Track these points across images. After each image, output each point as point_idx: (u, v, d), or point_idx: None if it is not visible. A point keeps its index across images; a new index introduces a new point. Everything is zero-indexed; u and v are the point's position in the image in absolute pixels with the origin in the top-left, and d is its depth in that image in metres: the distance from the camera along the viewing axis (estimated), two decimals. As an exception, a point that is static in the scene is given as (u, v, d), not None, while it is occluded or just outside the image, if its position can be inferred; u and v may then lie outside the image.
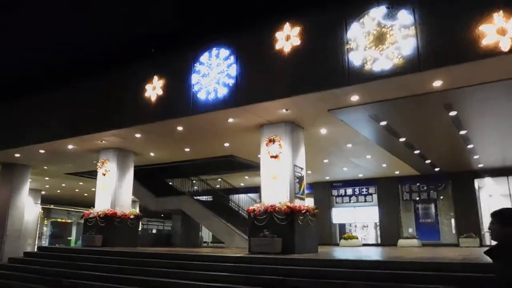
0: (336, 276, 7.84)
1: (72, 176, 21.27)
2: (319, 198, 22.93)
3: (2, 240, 17.79)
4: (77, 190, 25.65)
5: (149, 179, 20.58)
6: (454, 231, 20.38)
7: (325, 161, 18.06)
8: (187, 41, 12.15)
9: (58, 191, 26.34)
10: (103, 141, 14.75)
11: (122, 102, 13.31)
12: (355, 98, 10.02)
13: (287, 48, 10.26)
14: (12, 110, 16.70)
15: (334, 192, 24.07)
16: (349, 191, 23.78)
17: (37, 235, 26.08)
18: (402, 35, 8.77)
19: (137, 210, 18.45)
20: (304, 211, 11.46)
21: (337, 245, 20.98)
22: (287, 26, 10.39)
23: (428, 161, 17.87)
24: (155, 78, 12.62)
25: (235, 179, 23.50)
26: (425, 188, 21.89)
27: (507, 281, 2.87)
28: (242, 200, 22.46)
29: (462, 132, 13.18)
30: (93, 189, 16.49)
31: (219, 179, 23.84)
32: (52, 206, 28.47)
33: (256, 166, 17.01)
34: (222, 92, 11.16)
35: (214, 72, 11.44)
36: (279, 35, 10.44)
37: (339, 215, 23.80)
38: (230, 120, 11.91)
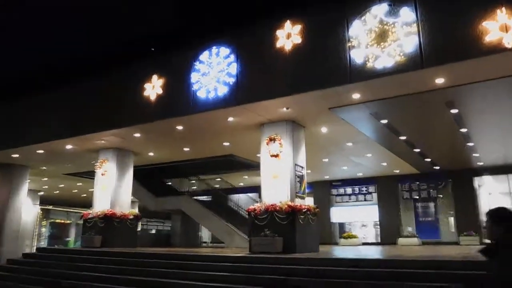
0: (338, 275, 7.77)
1: (71, 177, 21.17)
2: (318, 197, 22.85)
3: (1, 241, 17.67)
4: (75, 190, 25.55)
5: (149, 179, 20.50)
6: (454, 229, 20.34)
7: (325, 160, 18.00)
8: (187, 40, 12.07)
9: (57, 191, 26.24)
10: (103, 141, 14.66)
11: (122, 101, 13.23)
12: (356, 96, 9.96)
13: (288, 46, 10.20)
14: (11, 110, 16.60)
15: (334, 191, 24.01)
16: (349, 190, 23.72)
17: (36, 236, 25.96)
18: (404, 32, 8.71)
19: (136, 211, 18.34)
20: (305, 210, 11.40)
21: (337, 244, 20.92)
22: (288, 24, 10.33)
23: (428, 160, 17.82)
24: (155, 77, 12.54)
25: (234, 179, 23.43)
26: (425, 186, 21.84)
27: (503, 281, 2.83)
28: (241, 199, 22.40)
29: (463, 130, 13.13)
30: (92, 190, 16.38)
31: (219, 179, 23.75)
32: (50, 207, 28.34)
33: (256, 166, 16.94)
34: (223, 90, 11.08)
35: (214, 71, 11.37)
36: (280, 33, 10.37)
37: (338, 214, 23.74)
38: (230, 119, 11.84)
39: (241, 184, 24.73)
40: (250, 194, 22.61)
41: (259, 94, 10.51)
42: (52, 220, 28.77)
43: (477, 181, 20.42)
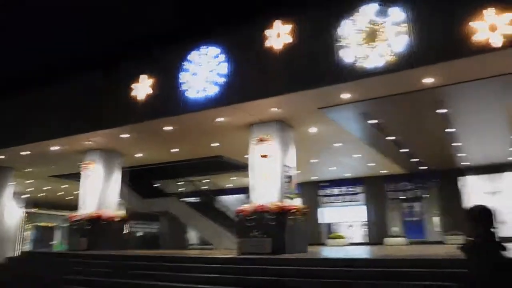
0: (331, 275, 7.74)
1: (57, 179, 20.81)
2: (306, 198, 22.78)
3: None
4: (61, 193, 25.12)
5: (136, 180, 20.23)
6: (439, 229, 20.56)
7: (313, 160, 18.03)
8: (176, 39, 11.93)
9: (42, 194, 25.76)
10: (90, 142, 14.42)
11: (110, 102, 13.02)
12: (346, 96, 9.98)
13: (278, 46, 10.17)
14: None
15: (321, 192, 24.09)
16: (336, 190, 23.87)
17: (20, 240, 25.44)
18: (394, 32, 8.76)
19: (123, 212, 18.09)
20: (294, 210, 11.37)
21: (324, 244, 20.96)
22: (278, 23, 10.30)
23: (415, 160, 18.01)
24: (144, 77, 12.38)
25: (222, 180, 23.32)
26: (411, 186, 22.09)
27: (480, 276, 2.85)
28: (230, 201, 22.31)
29: (450, 130, 13.28)
30: (77, 192, 16.11)
31: (207, 180, 23.61)
32: (35, 210, 27.82)
33: (244, 167, 16.87)
34: (212, 90, 10.99)
35: (204, 71, 11.27)
36: (270, 32, 10.34)
37: (326, 214, 23.82)
38: (220, 119, 11.76)
39: (230, 185, 24.64)
40: (238, 195, 22.51)
41: (249, 94, 10.46)
42: (36, 223, 28.23)
43: (462, 181, 20.69)
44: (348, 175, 22.00)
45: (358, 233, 23.32)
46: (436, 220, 21.11)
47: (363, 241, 22.43)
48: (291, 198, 11.88)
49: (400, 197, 22.27)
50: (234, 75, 10.86)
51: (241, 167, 17.24)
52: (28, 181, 21.76)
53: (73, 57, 13.55)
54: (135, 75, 12.54)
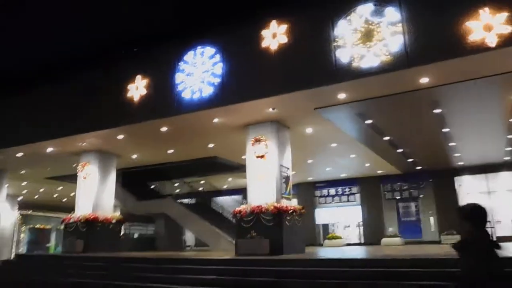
0: (332, 276, 7.70)
1: (52, 181, 20.66)
2: (302, 198, 22.87)
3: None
4: (56, 195, 24.96)
5: (131, 182, 20.14)
6: (435, 229, 20.61)
7: (309, 161, 18.02)
8: (171, 40, 11.88)
9: (37, 196, 25.59)
10: (84, 143, 14.34)
11: (105, 102, 12.98)
12: (342, 96, 9.98)
13: (274, 46, 10.18)
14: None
15: (317, 193, 24.09)
16: (332, 191, 23.87)
17: (15, 242, 25.28)
18: (389, 32, 8.78)
19: (118, 214, 18.00)
20: (291, 211, 11.35)
21: (321, 245, 20.94)
22: (273, 23, 10.30)
23: (410, 160, 18.04)
24: (138, 77, 12.35)
25: (218, 181, 23.26)
26: (407, 187, 22.14)
27: (471, 274, 2.85)
28: (226, 202, 22.26)
29: (445, 130, 13.31)
30: (73, 194, 16.01)
31: (202, 181, 23.54)
32: (30, 212, 27.65)
33: (240, 167, 16.88)
34: (208, 91, 10.97)
35: (199, 71, 11.25)
36: (266, 33, 10.34)
37: (322, 215, 23.82)
38: (215, 120, 11.73)
39: (225, 186, 24.59)
40: (234, 196, 22.46)
41: (245, 95, 10.44)
42: (31, 226, 28.06)
43: (457, 180, 20.75)
44: (344, 175, 22.02)
45: (355, 233, 23.33)
46: (432, 220, 21.16)
47: (359, 242, 22.45)
48: (289, 199, 11.88)
49: (396, 197, 22.30)
50: (230, 76, 10.84)
51: (237, 168, 17.23)
52: (23, 183, 21.60)
53: (67, 58, 13.42)
54: (130, 75, 12.51)
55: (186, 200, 21.96)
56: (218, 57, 11.10)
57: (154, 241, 20.90)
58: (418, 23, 8.57)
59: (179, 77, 11.60)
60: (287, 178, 12.02)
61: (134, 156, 16.46)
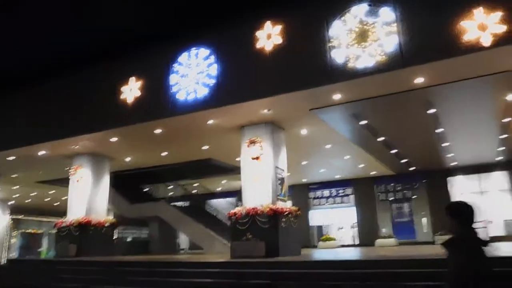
0: (330, 277, 7.66)
1: (44, 185, 20.43)
2: (296, 200, 22.79)
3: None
4: (48, 199, 24.70)
5: (124, 185, 19.98)
6: (429, 229, 20.67)
7: (304, 163, 18.01)
8: (165, 41, 11.79)
9: (28, 200, 25.30)
10: (77, 146, 14.19)
11: (98, 104, 12.85)
12: (337, 96, 9.96)
13: (268, 47, 10.14)
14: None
15: (311, 194, 24.08)
16: (326, 192, 23.88)
17: (6, 247, 24.96)
18: (384, 32, 8.78)
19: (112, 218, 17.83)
20: (287, 213, 11.30)
21: (315, 247, 20.92)
22: (268, 24, 10.27)
23: (404, 160, 18.09)
24: (132, 79, 12.24)
25: (212, 184, 23.18)
26: (400, 187, 22.21)
27: (462, 273, 2.82)
28: (220, 204, 22.17)
29: (439, 130, 13.36)
30: (65, 198, 15.82)
31: (196, 184, 23.44)
32: (21, 217, 27.33)
33: (234, 169, 16.79)
34: (202, 92, 10.90)
35: (193, 72, 11.18)
36: (260, 34, 10.30)
37: (316, 217, 23.81)
38: (210, 121, 11.66)
39: (219, 189, 24.51)
40: (228, 199, 22.38)
41: (240, 96, 10.39)
42: (23, 230, 27.74)
43: (450, 181, 20.85)
44: (338, 176, 22.04)
45: (349, 235, 23.34)
46: (425, 220, 21.23)
47: (354, 243, 22.46)
48: (284, 201, 11.83)
49: (390, 198, 22.36)
50: (225, 77, 10.79)
51: (232, 170, 17.15)
52: (14, 187, 21.34)
53: (59, 60, 13.26)
54: (124, 77, 12.41)
55: (180, 203, 21.82)
56: (212, 58, 11.04)
57: (148, 245, 20.73)
58: (413, 23, 8.58)
59: (173, 79, 11.51)
60: (282, 180, 11.97)
61: (128, 159, 16.32)
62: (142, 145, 14.37)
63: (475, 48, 7.89)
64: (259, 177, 11.51)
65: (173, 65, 11.62)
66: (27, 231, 28.09)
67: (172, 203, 20.62)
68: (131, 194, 20.32)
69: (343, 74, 9.10)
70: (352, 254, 12.59)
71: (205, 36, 11.41)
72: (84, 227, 14.33)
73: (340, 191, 23.62)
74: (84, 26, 11.72)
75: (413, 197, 21.90)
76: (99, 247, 14.45)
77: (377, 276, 7.37)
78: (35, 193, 23.24)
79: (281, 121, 11.89)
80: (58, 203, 24.76)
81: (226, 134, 12.72)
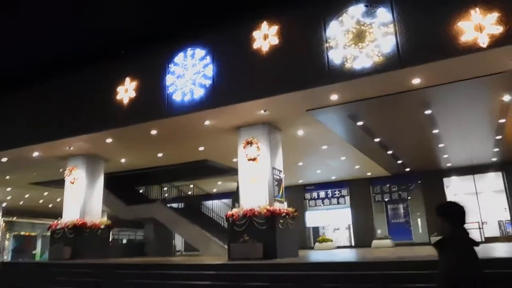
0: (330, 279, 7.60)
1: (38, 186, 20.24)
2: (292, 201, 22.72)
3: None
4: (42, 200, 24.50)
5: (119, 186, 19.84)
6: (425, 230, 20.70)
7: (300, 164, 17.97)
8: (160, 41, 11.72)
9: (22, 202, 25.09)
10: (72, 147, 14.06)
11: (93, 105, 12.75)
12: (334, 97, 9.94)
13: (265, 48, 10.10)
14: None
15: (307, 195, 24.05)
16: (322, 193, 23.85)
17: (-1, 250, 24.78)
18: (381, 32, 8.77)
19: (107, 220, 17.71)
20: (284, 214, 11.25)
21: (312, 248, 20.88)
22: (264, 25, 10.23)
23: (400, 161, 18.11)
24: (128, 79, 12.16)
25: (207, 185, 23.08)
26: (396, 188, 22.22)
27: (454, 273, 2.78)
28: (215, 206, 22.04)
29: (435, 131, 13.38)
30: (59, 199, 15.68)
31: (192, 185, 23.32)
32: (14, 219, 27.10)
33: (231, 171, 16.74)
34: (199, 93, 10.84)
35: (189, 73, 11.12)
36: (257, 34, 10.26)
37: (312, 218, 23.77)
38: (206, 122, 11.60)
39: (215, 190, 24.41)
40: (224, 200, 22.27)
41: (237, 96, 10.33)
42: (16, 233, 27.50)
43: (445, 182, 20.89)
44: (334, 177, 22.03)
45: (344, 236, 23.33)
46: (421, 221, 21.25)
47: (350, 244, 22.45)
48: (282, 202, 11.78)
49: (385, 199, 22.37)
50: (221, 77, 10.73)
51: (228, 171, 17.08)
52: (8, 189, 21.14)
53: (54, 61, 13.15)
54: (119, 78, 12.32)
55: (175, 204, 21.68)
56: (208, 58, 10.98)
57: (143, 247, 20.60)
58: (410, 24, 8.57)
59: (169, 79, 11.44)
60: (279, 181, 11.93)
61: (123, 160, 16.21)
62: (137, 146, 14.27)
63: (472, 49, 7.90)
64: (256, 178, 11.47)
65: (169, 65, 11.56)
66: (21, 233, 27.86)
67: (168, 205, 20.47)
68: (126, 195, 20.17)
69: (340, 75, 9.08)
70: (349, 255, 12.56)
71: (201, 37, 11.35)
72: (79, 229, 14.20)
73: (336, 192, 23.60)
74: (84, 26, 11.62)
75: (409, 198, 21.91)
76: (94, 250, 14.32)
77: (374, 277, 7.33)
78: (29, 195, 23.05)
79: (278, 122, 11.85)
80: (52, 205, 24.58)
81: (222, 135, 12.66)
